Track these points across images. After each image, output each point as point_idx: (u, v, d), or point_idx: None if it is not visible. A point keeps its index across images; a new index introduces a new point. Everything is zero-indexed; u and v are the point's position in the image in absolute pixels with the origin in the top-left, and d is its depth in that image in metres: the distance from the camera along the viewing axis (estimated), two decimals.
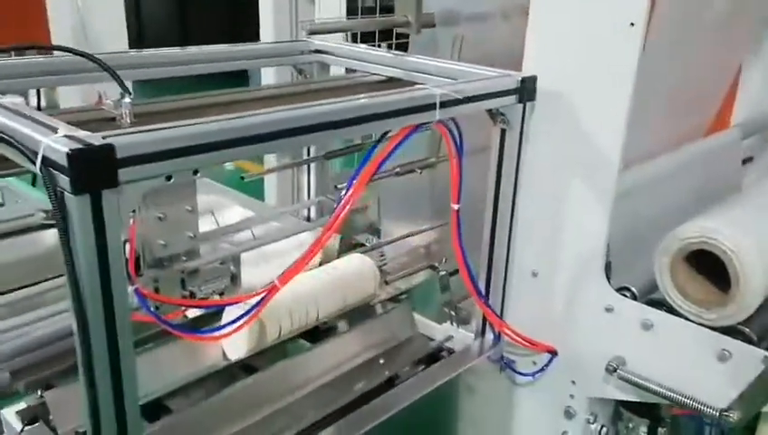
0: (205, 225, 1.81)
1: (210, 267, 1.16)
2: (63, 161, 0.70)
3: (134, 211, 0.93)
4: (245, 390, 1.21)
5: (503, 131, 1.30)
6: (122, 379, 0.83)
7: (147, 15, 7.60)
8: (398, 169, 1.43)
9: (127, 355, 0.82)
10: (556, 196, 1.31)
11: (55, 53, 1.25)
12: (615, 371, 1.27)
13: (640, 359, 1.27)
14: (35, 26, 3.83)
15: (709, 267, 1.23)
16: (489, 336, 1.44)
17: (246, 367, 1.30)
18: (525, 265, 1.40)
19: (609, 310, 1.29)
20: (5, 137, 0.79)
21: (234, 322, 1.08)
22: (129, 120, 1.02)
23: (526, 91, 1.26)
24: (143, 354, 1.13)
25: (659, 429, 1.42)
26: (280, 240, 1.40)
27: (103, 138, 0.74)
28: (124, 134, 0.77)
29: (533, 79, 1.27)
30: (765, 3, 1.74)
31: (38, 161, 0.73)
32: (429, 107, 1.09)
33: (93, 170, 0.72)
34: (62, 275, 1.36)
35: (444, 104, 1.10)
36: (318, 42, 1.59)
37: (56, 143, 0.72)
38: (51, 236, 1.57)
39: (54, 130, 0.75)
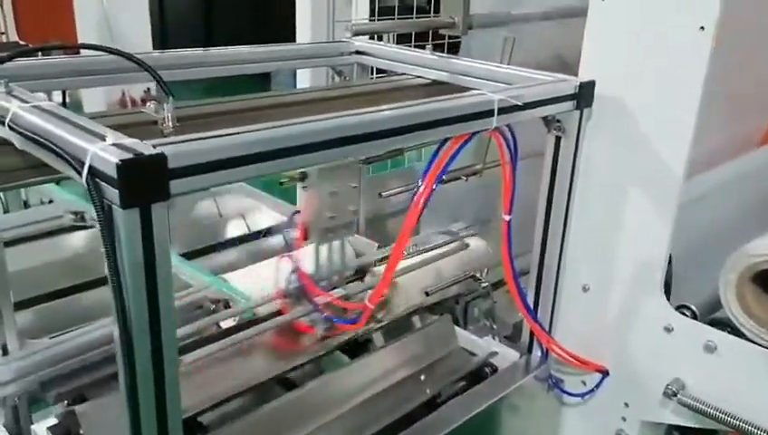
0: (236, 229, 1.77)
1: None
2: (112, 172, 0.65)
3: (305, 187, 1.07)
4: (283, 406, 1.16)
5: (557, 139, 1.23)
6: (166, 397, 0.78)
7: (171, 18, 7.61)
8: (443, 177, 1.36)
9: (171, 372, 0.78)
10: (613, 207, 1.24)
11: (84, 52, 1.20)
12: (675, 395, 1.20)
13: (702, 383, 1.20)
14: (63, 24, 3.83)
15: None
16: (536, 353, 1.37)
17: (285, 381, 1.25)
18: (576, 279, 1.33)
19: (668, 330, 1.22)
20: (48, 143, 0.74)
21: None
22: (171, 125, 0.97)
23: (584, 96, 1.19)
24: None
25: None
26: None
27: (154, 146, 0.68)
28: (175, 142, 0.71)
29: (592, 84, 1.20)
30: None
31: (84, 171, 0.67)
32: (487, 114, 1.03)
33: (144, 182, 0.67)
34: (90, 282, 1.34)
35: (502, 111, 1.04)
36: (358, 42, 1.53)
37: (104, 152, 0.66)
38: (80, 238, 1.53)
39: (102, 138, 0.70)
